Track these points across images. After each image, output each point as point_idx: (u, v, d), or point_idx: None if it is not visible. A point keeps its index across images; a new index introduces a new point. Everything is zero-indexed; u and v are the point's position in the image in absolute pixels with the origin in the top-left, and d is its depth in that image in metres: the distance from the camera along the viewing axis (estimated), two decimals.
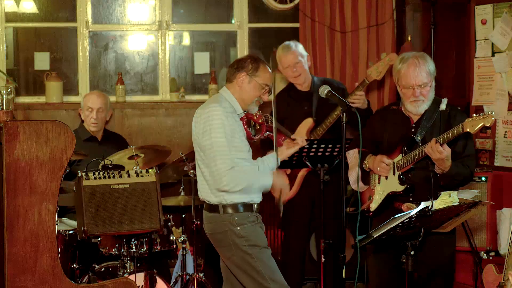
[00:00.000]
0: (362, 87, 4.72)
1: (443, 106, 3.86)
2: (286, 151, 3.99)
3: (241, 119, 3.83)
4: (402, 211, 3.60)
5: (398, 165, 3.85)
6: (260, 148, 4.94)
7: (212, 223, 3.79)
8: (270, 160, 3.86)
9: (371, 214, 3.96)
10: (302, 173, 4.91)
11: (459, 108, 3.97)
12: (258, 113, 3.87)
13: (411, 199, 3.85)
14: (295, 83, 5.01)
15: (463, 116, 3.84)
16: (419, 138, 3.83)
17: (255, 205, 3.81)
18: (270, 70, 3.84)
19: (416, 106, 3.88)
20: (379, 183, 3.95)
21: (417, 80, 3.82)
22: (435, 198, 3.51)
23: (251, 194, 3.76)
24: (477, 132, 5.58)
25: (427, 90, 3.85)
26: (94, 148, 5.06)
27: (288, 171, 4.95)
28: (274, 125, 3.85)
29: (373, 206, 3.94)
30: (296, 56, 4.91)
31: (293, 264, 5.09)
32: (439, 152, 3.62)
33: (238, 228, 3.71)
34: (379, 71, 4.63)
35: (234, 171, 3.65)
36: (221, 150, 3.64)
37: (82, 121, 5.26)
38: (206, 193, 3.79)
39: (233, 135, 3.69)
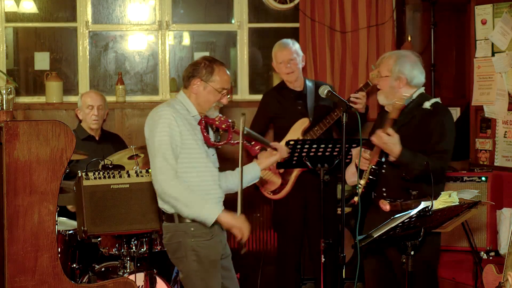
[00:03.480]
0: (364, 89, 4.74)
1: (426, 105, 3.89)
2: (267, 160, 3.85)
3: (199, 123, 3.66)
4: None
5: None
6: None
7: (168, 233, 3.64)
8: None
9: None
10: (295, 173, 4.92)
11: (447, 111, 3.95)
12: (222, 118, 3.68)
13: (384, 194, 3.91)
14: (287, 80, 5.06)
15: (445, 116, 3.86)
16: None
17: None
18: (227, 72, 3.67)
19: (378, 95, 4.04)
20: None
21: (380, 69, 4.00)
22: (407, 196, 3.68)
23: (206, 203, 3.54)
24: (477, 132, 5.65)
25: (384, 83, 3.96)
26: (92, 147, 5.06)
27: (281, 170, 4.95)
28: (240, 141, 3.63)
29: (356, 199, 3.97)
30: (291, 53, 4.98)
31: (289, 265, 5.09)
32: (377, 137, 3.75)
33: (193, 240, 3.56)
34: None
35: (175, 178, 3.48)
36: (163, 148, 3.50)
37: (80, 121, 5.26)
38: (160, 201, 3.65)
39: (182, 136, 3.54)
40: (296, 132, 4.94)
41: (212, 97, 3.64)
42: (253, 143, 3.82)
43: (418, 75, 3.95)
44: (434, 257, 4.00)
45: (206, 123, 3.70)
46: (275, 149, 3.86)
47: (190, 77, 3.65)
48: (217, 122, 3.68)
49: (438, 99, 3.96)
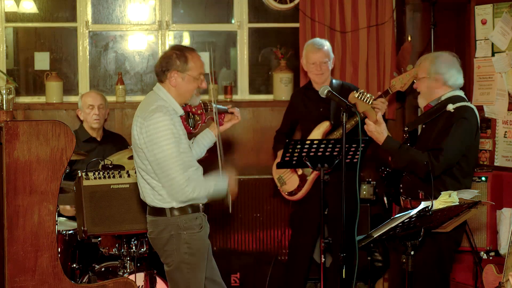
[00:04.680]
0: (384, 96, 4.70)
1: (450, 107, 3.91)
2: (224, 125, 3.94)
3: (181, 117, 3.70)
4: None
5: None
6: None
7: (158, 227, 3.64)
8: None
9: None
10: (313, 175, 4.93)
11: (464, 116, 3.93)
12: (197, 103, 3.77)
13: (401, 191, 4.08)
14: (315, 80, 5.03)
15: (459, 119, 3.87)
16: (406, 129, 4.10)
17: (201, 206, 3.69)
18: (199, 56, 3.67)
19: (418, 99, 4.13)
20: None
21: (417, 71, 4.12)
22: (417, 195, 3.82)
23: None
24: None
25: (422, 84, 4.06)
26: (93, 148, 5.06)
27: (300, 171, 4.96)
28: (214, 110, 3.78)
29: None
30: (325, 56, 4.99)
31: (299, 264, 5.10)
32: (366, 125, 3.99)
33: (185, 232, 3.60)
34: (403, 83, 4.58)
35: (192, 179, 3.56)
36: (177, 160, 3.51)
37: (81, 122, 5.26)
38: (151, 199, 3.65)
39: (180, 140, 3.58)
40: (316, 135, 4.92)
41: (192, 86, 3.66)
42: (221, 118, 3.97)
43: (455, 75, 4.00)
44: (434, 257, 4.00)
45: (185, 113, 3.73)
46: (232, 112, 3.97)
47: (165, 71, 3.63)
48: (193, 109, 3.75)
49: (466, 103, 3.96)
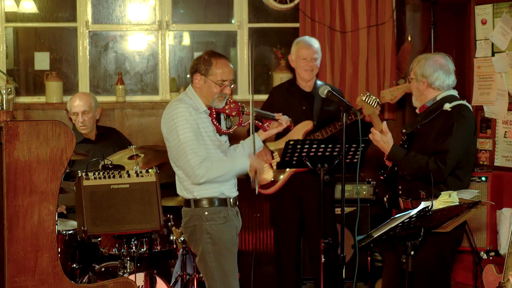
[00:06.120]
0: None
1: (446, 106, 3.89)
2: (269, 131, 4.03)
3: (210, 114, 3.83)
4: None
5: None
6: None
7: (186, 217, 3.87)
8: (245, 146, 3.98)
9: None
10: (287, 174, 4.95)
11: (463, 115, 3.91)
12: (231, 105, 3.86)
13: (400, 192, 4.05)
14: (303, 77, 5.04)
15: (459, 118, 3.85)
16: (403, 131, 4.05)
17: (231, 200, 3.86)
18: (228, 64, 3.81)
19: (412, 100, 4.12)
20: None
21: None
22: (418, 195, 3.77)
23: (221, 186, 3.80)
24: (477, 132, 5.65)
25: (411, 85, 4.06)
26: (89, 149, 5.04)
27: (274, 166, 4.97)
28: (251, 112, 3.84)
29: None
30: (315, 52, 5.03)
31: (286, 262, 5.10)
32: (372, 134, 3.96)
33: (207, 223, 3.77)
34: (394, 95, 4.58)
35: (207, 161, 3.69)
36: (190, 144, 3.69)
37: (74, 124, 5.26)
38: (180, 189, 3.88)
39: (199, 129, 3.73)
40: (298, 132, 4.93)
41: (214, 90, 3.79)
42: (266, 124, 4.03)
43: (441, 78, 3.95)
44: (436, 257, 3.99)
45: (217, 113, 3.85)
46: (278, 119, 4.03)
47: (193, 73, 3.84)
48: (227, 111, 3.86)
49: (462, 102, 3.95)
